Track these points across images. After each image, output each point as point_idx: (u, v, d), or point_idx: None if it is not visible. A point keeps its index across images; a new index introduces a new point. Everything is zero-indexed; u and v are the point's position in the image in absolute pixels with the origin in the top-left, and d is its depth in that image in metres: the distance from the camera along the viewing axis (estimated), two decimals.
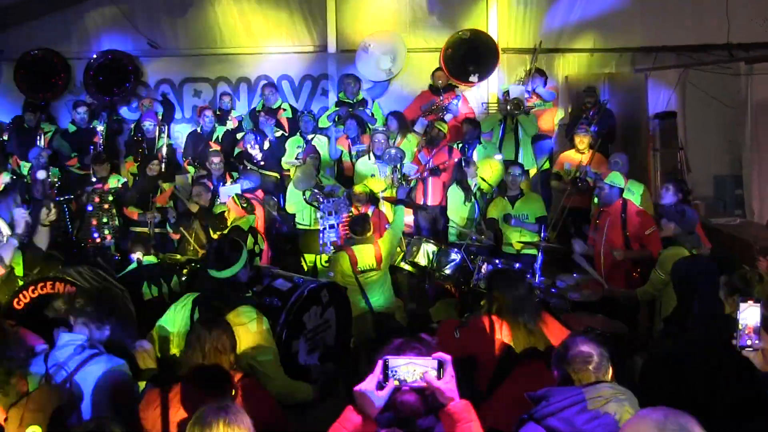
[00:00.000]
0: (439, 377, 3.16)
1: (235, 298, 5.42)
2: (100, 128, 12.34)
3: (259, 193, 10.42)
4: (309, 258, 10.70)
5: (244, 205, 9.06)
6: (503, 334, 5.26)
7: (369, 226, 8.45)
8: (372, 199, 9.99)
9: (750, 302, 3.88)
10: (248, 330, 5.19)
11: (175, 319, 5.51)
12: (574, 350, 3.75)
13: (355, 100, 12.52)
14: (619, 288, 8.30)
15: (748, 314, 3.86)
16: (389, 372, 3.17)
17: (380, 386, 3.19)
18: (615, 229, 8.68)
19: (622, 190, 8.97)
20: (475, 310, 6.58)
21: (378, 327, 8.04)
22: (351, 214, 9.49)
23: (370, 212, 9.66)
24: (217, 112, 12.52)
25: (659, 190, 10.03)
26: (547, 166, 12.16)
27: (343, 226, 9.48)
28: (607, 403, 3.50)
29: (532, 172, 12.10)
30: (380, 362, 3.19)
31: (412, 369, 3.17)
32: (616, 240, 8.65)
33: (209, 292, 5.56)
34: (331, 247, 9.34)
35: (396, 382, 3.17)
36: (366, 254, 8.24)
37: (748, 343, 3.85)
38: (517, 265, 8.70)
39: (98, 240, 9.80)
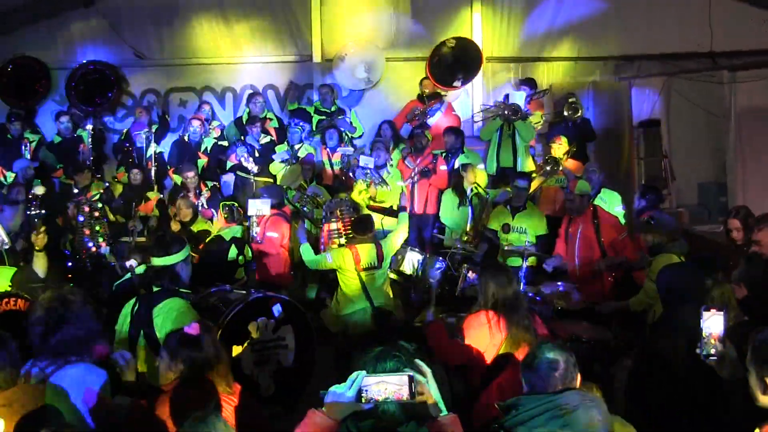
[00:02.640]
0: (411, 393, 3.18)
1: (170, 291, 5.46)
2: (85, 136, 12.32)
3: (287, 209, 10.41)
4: None
5: (226, 215, 9.03)
6: (501, 327, 5.36)
7: (371, 227, 8.52)
8: (355, 207, 10.01)
9: (713, 310, 3.85)
10: (177, 321, 5.21)
11: (125, 318, 5.60)
12: (540, 358, 3.75)
13: (332, 110, 12.58)
14: (608, 300, 8.31)
15: (712, 323, 3.84)
16: (362, 390, 3.19)
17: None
18: (588, 238, 8.68)
19: (590, 197, 9.01)
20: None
21: (378, 322, 8.18)
22: (352, 217, 9.51)
23: None
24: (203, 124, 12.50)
25: None
26: None
27: (345, 227, 9.51)
28: (576, 410, 3.50)
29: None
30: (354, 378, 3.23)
31: (384, 388, 3.19)
32: (591, 248, 8.66)
33: (148, 283, 5.62)
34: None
35: (364, 401, 3.19)
36: (369, 252, 8.32)
37: (712, 351, 3.83)
38: None
39: (93, 249, 9.74)
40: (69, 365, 4.41)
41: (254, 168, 11.24)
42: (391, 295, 8.70)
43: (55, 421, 3.87)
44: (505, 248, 9.58)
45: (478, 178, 10.68)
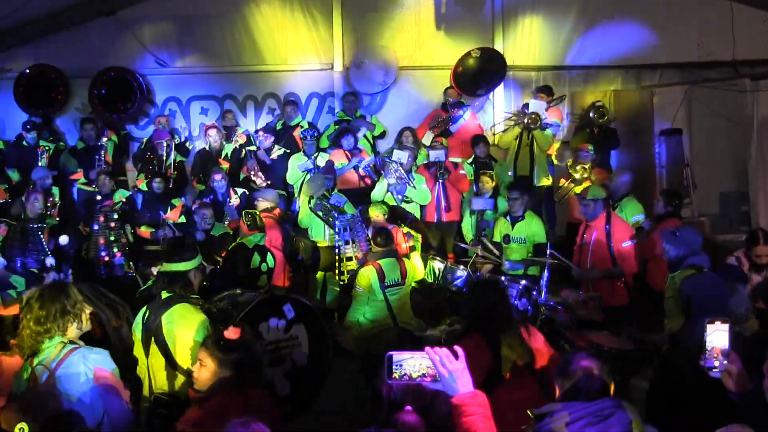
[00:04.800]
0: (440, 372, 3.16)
1: (180, 297, 5.48)
2: (110, 146, 12.39)
3: (276, 211, 10.41)
4: (318, 274, 10.71)
5: (248, 223, 9.05)
6: (487, 350, 5.23)
7: (392, 238, 8.41)
8: (391, 218, 9.99)
9: (717, 323, 3.83)
10: (186, 326, 5.28)
11: (137, 327, 5.61)
12: (575, 365, 3.74)
13: (354, 117, 12.66)
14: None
15: (715, 336, 3.82)
16: (394, 366, 3.14)
17: (383, 381, 3.19)
18: (600, 243, 8.64)
19: (605, 202, 8.96)
20: None
21: (401, 341, 7.97)
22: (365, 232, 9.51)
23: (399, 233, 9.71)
24: (223, 131, 12.54)
25: None
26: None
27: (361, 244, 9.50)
28: (611, 417, 3.49)
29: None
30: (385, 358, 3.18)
31: (417, 363, 3.15)
32: (602, 254, 8.62)
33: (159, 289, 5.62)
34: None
35: (397, 377, 3.15)
36: (392, 268, 8.19)
37: (715, 364, 3.81)
38: (524, 282, 8.67)
39: (107, 258, 9.80)
40: (69, 355, 4.49)
41: (263, 183, 11.27)
42: (413, 314, 8.64)
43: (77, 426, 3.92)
44: (526, 258, 9.56)
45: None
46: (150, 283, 7.63)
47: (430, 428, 3.31)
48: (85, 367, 4.49)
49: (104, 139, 12.07)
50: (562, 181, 11.28)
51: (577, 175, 10.70)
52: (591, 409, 3.54)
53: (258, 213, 9.29)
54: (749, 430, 3.30)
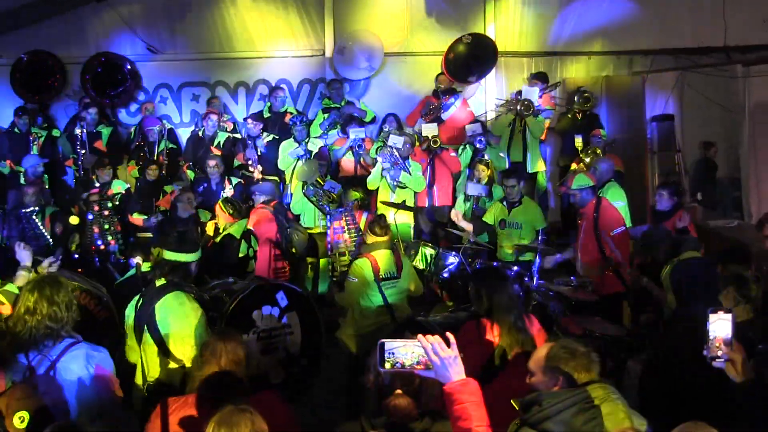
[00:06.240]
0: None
1: (174, 285, 5.49)
2: (105, 133, 12.36)
3: (273, 203, 10.39)
4: (309, 260, 10.69)
5: (231, 211, 9.02)
6: (494, 335, 5.23)
7: (388, 227, 7.93)
8: (363, 205, 9.94)
9: (720, 312, 3.80)
10: (179, 314, 5.33)
11: (129, 314, 5.60)
12: (569, 351, 3.73)
13: (341, 104, 12.62)
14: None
15: (718, 326, 3.79)
16: (386, 355, 3.11)
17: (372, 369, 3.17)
18: (589, 230, 8.63)
19: (594, 189, 8.92)
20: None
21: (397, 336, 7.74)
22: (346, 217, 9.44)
23: (363, 218, 9.65)
24: (225, 117, 12.52)
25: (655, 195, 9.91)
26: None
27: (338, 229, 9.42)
28: (602, 403, 3.49)
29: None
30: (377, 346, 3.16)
31: (410, 351, 3.12)
32: (589, 241, 8.62)
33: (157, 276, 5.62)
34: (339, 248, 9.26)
35: (389, 365, 3.12)
36: (387, 260, 7.71)
37: (718, 354, 3.79)
38: (516, 268, 8.65)
39: (102, 247, 9.78)
40: (70, 348, 4.49)
41: (259, 176, 11.20)
42: (410, 310, 8.48)
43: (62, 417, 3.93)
44: (518, 245, 9.55)
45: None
46: (132, 272, 7.58)
47: (421, 410, 3.30)
48: (87, 363, 4.52)
49: (78, 130, 11.96)
50: (573, 165, 11.25)
51: (587, 159, 10.67)
52: (583, 395, 3.54)
53: (237, 201, 9.29)
54: (705, 426, 3.30)
